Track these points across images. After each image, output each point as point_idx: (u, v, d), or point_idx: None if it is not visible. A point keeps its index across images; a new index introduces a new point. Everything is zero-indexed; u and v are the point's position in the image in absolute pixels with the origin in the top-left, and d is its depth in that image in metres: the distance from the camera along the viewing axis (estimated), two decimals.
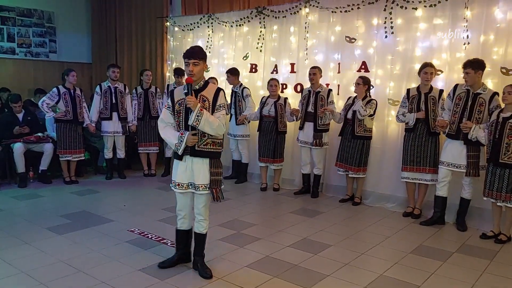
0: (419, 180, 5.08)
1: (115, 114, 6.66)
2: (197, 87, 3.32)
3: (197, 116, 3.18)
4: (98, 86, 6.74)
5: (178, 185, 3.42)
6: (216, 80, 6.81)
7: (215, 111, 3.29)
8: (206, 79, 3.42)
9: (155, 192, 6.20)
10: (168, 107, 3.40)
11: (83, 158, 6.67)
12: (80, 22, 9.18)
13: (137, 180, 6.92)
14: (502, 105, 4.38)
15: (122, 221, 4.79)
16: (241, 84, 6.57)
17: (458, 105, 4.60)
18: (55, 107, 6.26)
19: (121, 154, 6.90)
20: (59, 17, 8.79)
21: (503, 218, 4.39)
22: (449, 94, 4.75)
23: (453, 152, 4.65)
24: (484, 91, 4.48)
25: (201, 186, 3.35)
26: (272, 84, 6.08)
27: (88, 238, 4.27)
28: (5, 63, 8.15)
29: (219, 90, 3.35)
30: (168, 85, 7.23)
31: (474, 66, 4.40)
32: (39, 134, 6.46)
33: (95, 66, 9.19)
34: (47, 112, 6.24)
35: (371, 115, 5.38)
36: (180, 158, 3.36)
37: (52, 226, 4.57)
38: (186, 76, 3.33)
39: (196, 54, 3.23)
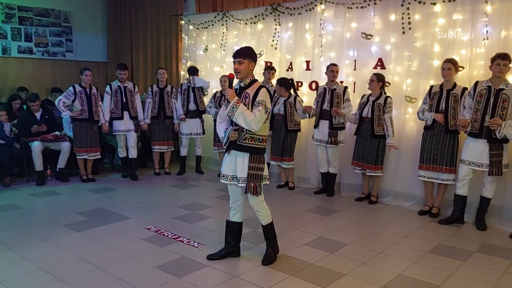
0: (435, 179, 4.99)
1: (126, 113, 6.65)
2: (242, 84, 3.53)
3: (232, 107, 3.37)
4: (108, 86, 6.71)
5: (223, 176, 3.63)
6: (227, 78, 6.79)
7: (253, 107, 3.41)
8: (253, 78, 3.56)
9: (171, 190, 6.23)
10: (225, 104, 3.57)
11: (99, 156, 6.72)
12: (96, 21, 9.27)
13: (153, 178, 6.96)
14: None
15: (138, 219, 4.82)
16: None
17: (479, 102, 4.48)
18: (72, 105, 6.32)
19: (133, 153, 6.80)
20: (76, 16, 8.89)
21: None
22: (469, 92, 4.64)
23: (475, 151, 4.54)
24: (507, 86, 4.37)
25: (241, 179, 3.53)
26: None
27: (105, 235, 4.31)
28: (23, 63, 8.27)
29: (260, 87, 3.47)
30: (181, 84, 7.23)
31: (511, 60, 4.31)
32: (57, 132, 6.55)
33: (111, 65, 9.25)
34: (63, 110, 6.29)
35: None
36: (227, 151, 3.60)
37: (70, 223, 4.62)
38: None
39: (241, 54, 3.47)
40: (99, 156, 6.72)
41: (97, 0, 9.26)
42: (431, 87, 5.00)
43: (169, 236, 4.30)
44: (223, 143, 3.61)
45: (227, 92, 3.44)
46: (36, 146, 6.27)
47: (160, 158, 7.23)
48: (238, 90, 3.55)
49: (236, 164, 3.55)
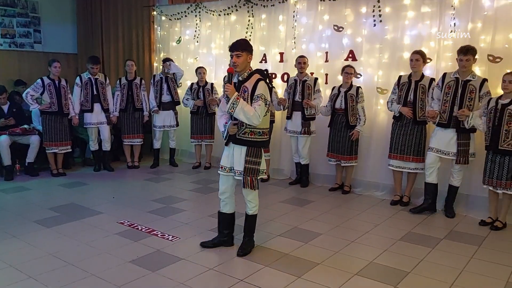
0: (403, 168, 5.10)
1: (97, 105, 6.53)
2: (240, 78, 3.49)
3: (233, 104, 3.36)
4: (78, 78, 6.56)
5: (222, 167, 3.67)
6: (205, 70, 6.75)
7: (253, 101, 3.40)
8: (251, 71, 3.52)
9: (144, 183, 6.16)
10: (224, 98, 3.55)
11: (70, 150, 6.57)
12: (65, 11, 9.01)
13: (126, 172, 6.87)
14: (493, 92, 4.41)
15: (111, 213, 4.75)
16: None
17: (448, 94, 4.60)
18: (40, 98, 6.15)
19: (107, 145, 6.76)
20: (44, 6, 8.61)
21: (499, 204, 4.41)
22: (437, 84, 4.75)
23: (443, 139, 4.67)
24: (473, 78, 4.50)
25: (237, 172, 3.56)
26: None
27: (77, 230, 4.23)
28: None
29: (258, 80, 3.45)
30: (154, 75, 7.13)
31: (475, 53, 4.43)
32: (25, 126, 6.37)
33: (81, 57, 9.03)
34: (31, 104, 6.12)
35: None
36: (226, 144, 3.62)
37: (40, 219, 4.51)
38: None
39: (238, 47, 3.42)
40: (70, 150, 6.58)
41: None
42: (400, 77, 5.10)
43: (143, 230, 4.26)
44: (223, 137, 3.60)
45: (226, 87, 3.39)
46: (4, 140, 6.08)
47: (132, 150, 7.12)
48: (236, 84, 3.51)
49: (233, 156, 3.56)
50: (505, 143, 4.18)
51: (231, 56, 3.44)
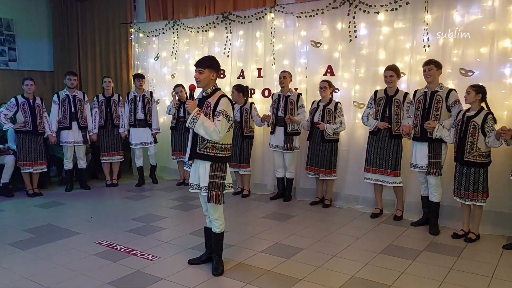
0: (381, 181, 5.15)
1: (74, 123, 6.44)
2: (204, 94, 3.55)
3: (193, 119, 3.39)
4: (55, 95, 6.49)
5: (191, 185, 3.66)
6: (183, 87, 6.69)
7: (214, 116, 3.42)
8: (215, 87, 3.56)
9: (123, 202, 6.06)
10: (187, 114, 3.57)
11: (46, 170, 6.43)
12: (40, 29, 8.90)
13: (104, 190, 6.75)
14: (462, 101, 4.51)
15: (89, 234, 4.65)
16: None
17: (418, 108, 4.72)
18: (15, 118, 6.02)
19: (82, 164, 6.66)
20: (18, 24, 8.49)
21: (472, 216, 4.46)
22: (411, 100, 4.88)
23: (420, 154, 4.74)
24: (441, 89, 4.62)
25: (203, 188, 3.53)
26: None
27: (54, 252, 4.12)
28: None
29: (221, 97, 3.48)
30: (128, 93, 7.04)
31: (437, 64, 4.57)
32: None
33: (57, 74, 8.91)
34: (5, 123, 5.98)
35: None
36: (189, 159, 3.61)
37: (15, 242, 4.38)
38: None
39: (202, 63, 3.49)
40: (45, 169, 6.41)
41: (41, 6, 8.89)
42: (376, 92, 5.19)
43: (122, 250, 4.18)
44: (187, 124, 3.49)
45: (187, 103, 3.44)
46: None
47: (111, 168, 7.01)
48: (191, 99, 3.54)
49: (199, 173, 3.55)
50: (470, 155, 4.27)
51: (196, 72, 3.50)
